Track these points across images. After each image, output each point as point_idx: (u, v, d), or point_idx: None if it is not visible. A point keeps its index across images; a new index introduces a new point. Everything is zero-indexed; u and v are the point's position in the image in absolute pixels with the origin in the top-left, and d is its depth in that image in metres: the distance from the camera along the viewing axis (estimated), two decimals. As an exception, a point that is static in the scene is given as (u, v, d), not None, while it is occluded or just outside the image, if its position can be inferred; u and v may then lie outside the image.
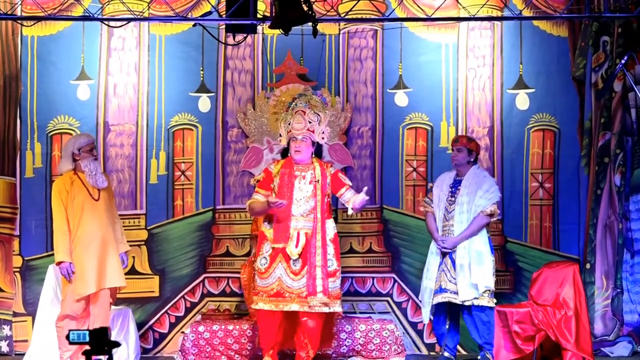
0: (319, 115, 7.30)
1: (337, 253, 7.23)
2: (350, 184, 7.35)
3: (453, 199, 7.60)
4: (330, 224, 7.23)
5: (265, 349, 7.30)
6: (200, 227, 8.59)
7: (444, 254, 7.54)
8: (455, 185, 7.66)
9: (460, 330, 7.74)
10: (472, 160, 7.68)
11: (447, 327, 7.64)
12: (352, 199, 7.18)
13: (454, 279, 7.43)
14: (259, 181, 7.36)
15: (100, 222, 7.14)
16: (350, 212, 7.26)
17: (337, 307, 7.17)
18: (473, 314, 7.47)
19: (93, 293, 7.06)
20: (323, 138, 7.37)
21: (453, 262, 7.47)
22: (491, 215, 7.53)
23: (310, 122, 7.24)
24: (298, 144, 7.22)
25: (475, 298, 7.40)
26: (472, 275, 7.38)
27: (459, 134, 8.45)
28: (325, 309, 7.07)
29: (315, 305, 7.02)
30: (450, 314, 7.63)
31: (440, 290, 7.48)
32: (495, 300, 7.51)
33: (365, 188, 7.14)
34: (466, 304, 7.43)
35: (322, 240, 7.11)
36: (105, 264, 7.10)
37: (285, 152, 7.45)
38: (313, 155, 7.33)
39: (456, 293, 7.41)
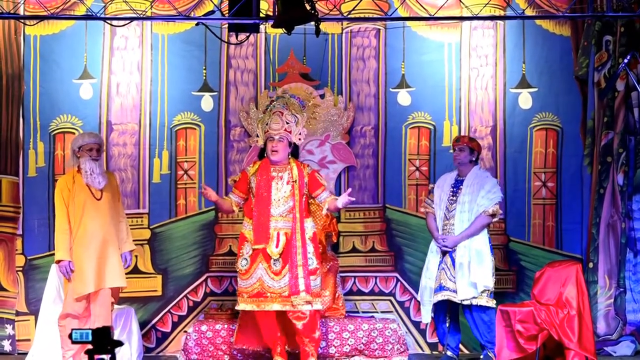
0: (296, 116, 7.37)
1: (317, 251, 7.32)
2: (326, 184, 7.45)
3: (455, 198, 7.61)
4: (309, 223, 7.33)
5: (273, 349, 7.39)
6: (203, 226, 8.60)
7: (444, 253, 7.55)
8: (457, 185, 7.67)
9: (461, 328, 7.75)
10: (474, 159, 7.70)
11: (447, 325, 7.65)
12: (328, 200, 7.31)
13: (454, 277, 7.45)
14: (235, 181, 7.46)
15: (102, 222, 7.13)
16: (324, 212, 7.41)
17: (318, 305, 7.25)
18: (473, 313, 7.48)
19: (93, 292, 7.06)
20: (300, 139, 7.44)
21: (453, 260, 7.49)
22: (493, 215, 7.54)
23: (287, 123, 7.30)
24: (275, 144, 7.27)
25: (473, 297, 7.42)
26: (472, 274, 7.40)
27: (461, 133, 8.46)
28: (308, 307, 7.16)
29: (298, 303, 7.12)
30: (450, 312, 7.64)
31: (440, 288, 7.50)
32: (494, 301, 7.51)
33: (349, 190, 7.34)
34: (465, 303, 7.45)
35: (302, 240, 7.22)
36: (105, 264, 7.09)
37: (262, 153, 7.49)
38: (290, 156, 7.37)
39: (455, 291, 7.43)
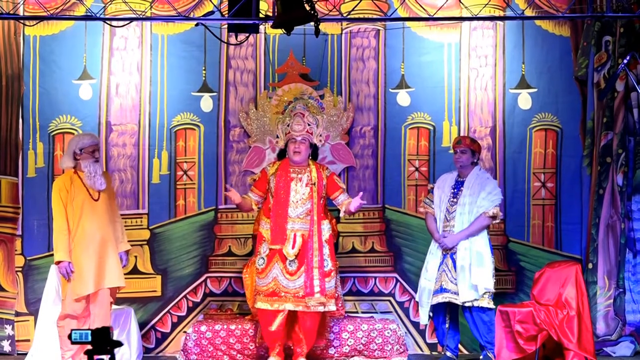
0: (316, 118, 7.47)
1: (332, 253, 7.45)
2: (344, 187, 7.59)
3: (455, 200, 7.62)
4: (326, 225, 7.43)
5: (271, 348, 7.42)
6: (203, 226, 8.60)
7: (444, 254, 7.55)
8: (458, 186, 7.67)
9: (460, 329, 7.75)
10: (475, 161, 7.70)
11: (447, 326, 7.65)
12: (345, 202, 7.44)
13: (455, 279, 7.45)
14: (255, 181, 7.53)
15: (100, 222, 7.15)
16: (342, 214, 7.55)
17: (331, 306, 7.36)
18: (473, 313, 7.48)
19: (92, 293, 7.07)
20: (321, 141, 7.62)
21: (454, 262, 7.50)
22: (494, 217, 7.54)
23: (309, 125, 7.42)
24: (297, 145, 7.36)
25: (475, 299, 7.42)
26: (473, 276, 7.41)
27: (461, 134, 8.46)
28: (321, 308, 7.29)
29: (312, 305, 7.19)
30: (449, 313, 7.64)
31: (441, 290, 7.51)
32: (493, 304, 7.51)
33: (361, 193, 7.42)
34: (466, 305, 7.45)
35: (319, 242, 7.33)
36: (104, 264, 7.12)
37: (281, 154, 7.53)
38: (309, 158, 7.41)
39: (457, 293, 7.43)
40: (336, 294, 7.58)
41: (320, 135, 7.58)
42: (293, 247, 7.23)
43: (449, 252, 7.55)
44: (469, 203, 7.55)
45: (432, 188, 7.84)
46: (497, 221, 7.70)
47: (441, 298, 7.51)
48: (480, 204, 7.53)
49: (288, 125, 7.44)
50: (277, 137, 7.62)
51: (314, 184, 7.34)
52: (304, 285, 7.19)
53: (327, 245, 7.36)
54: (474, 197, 7.56)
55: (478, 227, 7.52)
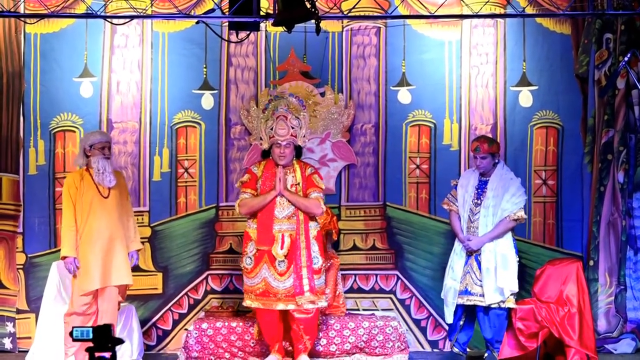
0: (299, 119, 7.37)
1: (322, 249, 7.39)
2: (322, 186, 7.43)
3: (479, 201, 7.56)
4: (313, 223, 7.36)
5: (270, 345, 7.45)
6: (204, 224, 8.60)
7: (468, 255, 7.51)
8: (481, 186, 7.61)
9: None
10: (496, 161, 7.65)
11: (462, 322, 7.62)
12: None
13: (480, 281, 7.41)
14: (244, 182, 7.45)
15: (109, 220, 7.15)
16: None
17: (323, 302, 7.34)
18: (490, 313, 7.43)
19: (100, 289, 7.09)
20: (305, 141, 7.53)
21: (479, 264, 7.45)
22: (518, 220, 7.50)
23: (293, 128, 7.34)
24: (282, 150, 7.32)
25: (501, 301, 7.38)
26: (498, 279, 7.36)
27: (461, 133, 8.44)
28: (312, 306, 7.25)
29: (303, 303, 7.20)
30: (466, 310, 7.59)
31: (466, 292, 7.45)
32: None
33: None
34: (492, 306, 7.41)
35: (306, 241, 7.27)
36: (111, 262, 7.13)
37: (265, 154, 7.49)
38: (294, 158, 7.42)
39: (482, 295, 7.38)
40: (337, 292, 7.58)
41: (304, 136, 7.46)
42: (282, 248, 7.21)
43: (473, 253, 7.52)
44: (493, 205, 7.49)
45: (456, 184, 7.76)
46: (522, 222, 7.65)
47: (466, 300, 7.46)
48: (505, 206, 7.47)
49: (272, 129, 7.36)
50: (261, 139, 7.53)
51: (298, 184, 7.33)
52: (294, 285, 7.18)
53: (316, 243, 7.31)
54: (497, 199, 7.49)
55: (502, 230, 7.47)
